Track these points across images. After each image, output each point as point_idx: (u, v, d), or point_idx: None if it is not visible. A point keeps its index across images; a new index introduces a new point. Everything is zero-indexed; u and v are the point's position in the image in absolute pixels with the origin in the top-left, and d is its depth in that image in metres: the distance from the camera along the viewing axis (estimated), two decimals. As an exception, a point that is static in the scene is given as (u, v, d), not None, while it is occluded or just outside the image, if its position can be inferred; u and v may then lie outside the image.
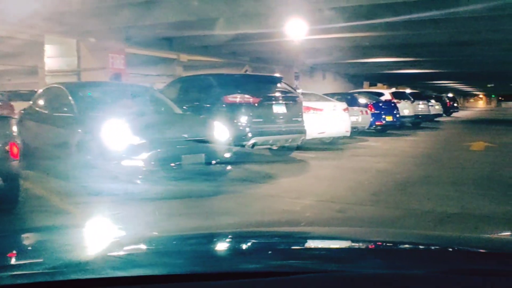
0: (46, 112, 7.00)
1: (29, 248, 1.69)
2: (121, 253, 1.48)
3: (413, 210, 5.21)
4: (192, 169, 5.83)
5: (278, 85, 9.19)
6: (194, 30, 12.87)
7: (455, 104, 33.80)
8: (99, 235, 1.93)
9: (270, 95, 8.62)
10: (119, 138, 5.54)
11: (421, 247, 1.58)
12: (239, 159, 8.22)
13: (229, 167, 6.29)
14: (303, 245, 1.68)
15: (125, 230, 2.16)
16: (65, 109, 6.48)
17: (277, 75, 14.30)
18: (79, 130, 5.98)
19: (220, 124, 6.57)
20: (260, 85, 8.90)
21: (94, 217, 4.76)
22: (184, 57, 19.24)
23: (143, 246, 1.61)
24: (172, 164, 5.64)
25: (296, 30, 12.41)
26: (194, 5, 10.62)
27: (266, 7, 10.47)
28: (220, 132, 6.36)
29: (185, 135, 6.01)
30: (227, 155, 6.18)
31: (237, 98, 8.08)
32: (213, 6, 10.43)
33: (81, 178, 5.78)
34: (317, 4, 10.48)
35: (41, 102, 7.29)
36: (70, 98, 6.47)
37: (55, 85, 7.37)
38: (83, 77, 12.70)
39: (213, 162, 6.01)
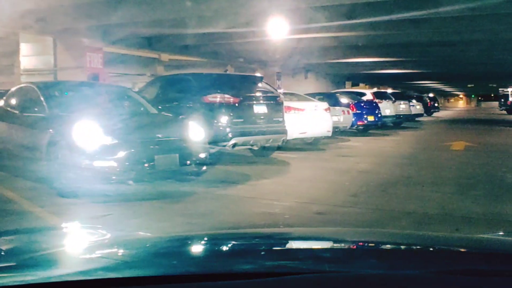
0: (16, 112, 6.83)
1: (10, 250, 1.64)
2: (113, 254, 1.47)
3: (393, 211, 5.16)
4: (165, 170, 5.74)
5: (259, 84, 9.11)
6: (171, 29, 12.71)
7: (436, 104, 34.22)
8: (83, 236, 1.89)
9: (251, 95, 8.53)
10: (91, 139, 5.43)
11: (414, 247, 1.59)
12: (218, 160, 8.12)
13: (204, 168, 6.20)
14: (297, 246, 1.68)
15: (109, 231, 2.07)
16: (36, 109, 6.36)
17: (258, 74, 14.22)
18: (50, 130, 5.85)
19: (195, 124, 6.48)
20: (241, 85, 8.80)
21: (73, 219, 4.63)
22: (165, 57, 19.04)
23: (134, 247, 1.58)
24: (146, 165, 5.54)
25: (277, 30, 12.35)
26: (169, 3, 10.50)
27: (240, 5, 10.39)
28: (195, 132, 6.27)
29: (159, 135, 5.93)
30: (202, 155, 6.10)
31: (217, 98, 7.97)
32: (185, 4, 10.30)
33: (52, 180, 5.64)
34: (297, 3, 10.41)
35: (11, 101, 7.11)
36: (41, 98, 6.34)
37: (27, 85, 7.21)
38: (60, 76, 12.45)
39: (187, 162, 5.91)
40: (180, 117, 6.97)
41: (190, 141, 6.08)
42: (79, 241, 1.78)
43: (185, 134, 6.12)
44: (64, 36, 12.59)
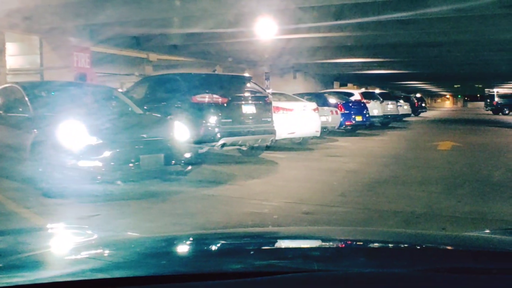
0: (0, 112, 6.81)
1: None
2: (101, 255, 1.46)
3: (381, 211, 5.19)
4: (150, 169, 5.76)
5: (248, 85, 9.11)
6: (159, 28, 12.64)
7: (423, 104, 34.49)
8: (71, 237, 1.87)
9: (239, 95, 8.53)
10: (76, 138, 5.44)
11: (402, 245, 1.59)
12: (207, 160, 8.11)
13: (189, 167, 6.22)
14: (286, 245, 1.67)
15: (97, 232, 2.07)
16: (21, 109, 6.35)
17: (246, 75, 14.21)
18: (35, 131, 5.84)
19: (180, 124, 6.50)
20: (229, 85, 8.78)
21: (60, 220, 4.59)
22: (154, 57, 18.95)
23: (122, 248, 1.56)
24: (131, 165, 5.56)
25: (266, 30, 12.35)
26: (157, 2, 10.46)
27: (229, 5, 10.37)
28: (180, 132, 6.29)
29: (144, 135, 5.96)
30: (187, 155, 6.13)
31: (206, 98, 7.95)
32: (173, 3, 10.27)
33: (37, 180, 5.60)
34: (286, 3, 10.42)
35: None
36: (25, 98, 6.32)
37: (11, 85, 7.18)
38: (47, 76, 12.32)
39: (172, 162, 5.95)
40: (165, 117, 6.96)
41: (175, 141, 6.11)
42: (67, 242, 1.76)
43: (170, 134, 6.15)
44: (50, 36, 12.45)
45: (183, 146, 6.13)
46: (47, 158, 5.48)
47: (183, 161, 6.07)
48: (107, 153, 5.44)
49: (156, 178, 6.21)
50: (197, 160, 6.79)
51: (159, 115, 7.04)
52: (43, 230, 2.73)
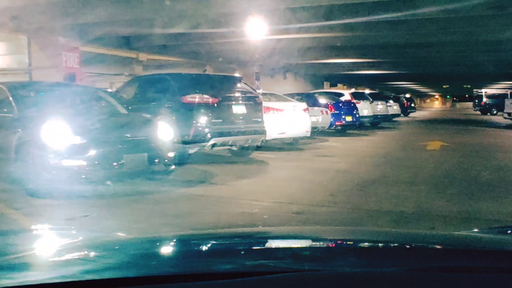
0: None
1: None
2: (91, 256, 1.46)
3: (371, 210, 5.22)
4: (134, 169, 5.79)
5: (238, 85, 9.10)
6: (149, 28, 12.58)
7: (412, 105, 34.74)
8: (61, 238, 1.86)
9: (230, 95, 8.52)
10: (60, 138, 5.46)
11: (391, 245, 1.60)
12: (197, 160, 8.10)
13: (173, 167, 6.25)
14: (276, 245, 1.67)
15: (87, 233, 2.06)
16: (5, 109, 6.34)
17: (236, 75, 14.21)
18: (19, 130, 5.85)
19: (164, 123, 6.53)
20: (220, 85, 8.78)
21: (49, 221, 4.56)
22: (144, 56, 18.87)
23: (112, 249, 1.55)
24: (115, 164, 5.59)
25: (256, 30, 12.36)
26: (147, 2, 10.44)
27: (219, 6, 10.38)
28: (164, 132, 6.33)
29: (128, 135, 5.99)
30: (171, 154, 6.18)
31: (196, 98, 7.93)
32: (164, 3, 10.26)
33: (23, 180, 5.59)
34: (276, 4, 10.43)
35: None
36: (10, 98, 6.32)
37: None
38: (35, 76, 12.22)
39: (156, 161, 6.00)
40: (150, 117, 6.95)
41: (159, 140, 6.17)
42: (56, 243, 1.75)
43: (154, 134, 6.19)
44: (39, 35, 12.33)
45: (167, 145, 6.19)
46: (32, 158, 5.50)
47: (166, 161, 6.11)
48: (91, 152, 5.49)
49: (140, 177, 6.26)
50: (181, 160, 6.82)
51: (143, 115, 7.04)
52: (32, 231, 2.71)
